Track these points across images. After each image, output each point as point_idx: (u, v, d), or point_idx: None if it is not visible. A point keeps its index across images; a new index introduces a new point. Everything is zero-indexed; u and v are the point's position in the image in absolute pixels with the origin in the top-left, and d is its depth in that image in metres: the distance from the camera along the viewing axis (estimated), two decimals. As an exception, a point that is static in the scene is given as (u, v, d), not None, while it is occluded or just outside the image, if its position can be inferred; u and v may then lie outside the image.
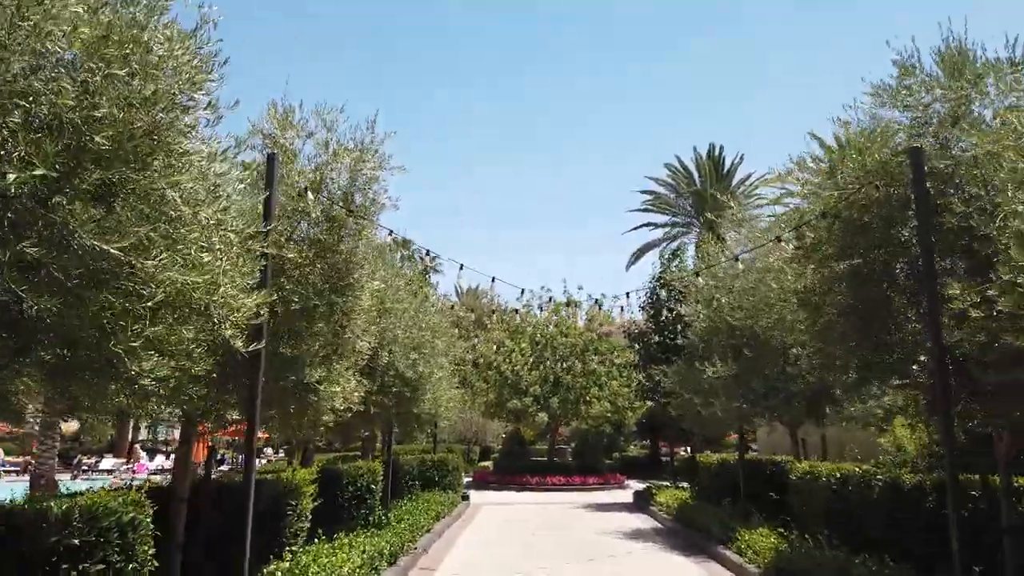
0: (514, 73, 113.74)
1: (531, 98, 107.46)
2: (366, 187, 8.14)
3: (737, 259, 11.14)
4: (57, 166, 3.57)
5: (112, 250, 3.51)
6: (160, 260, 3.86)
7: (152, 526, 6.29)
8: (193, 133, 4.12)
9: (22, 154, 3.44)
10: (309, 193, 7.65)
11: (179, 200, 4.10)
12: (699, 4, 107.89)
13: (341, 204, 8.02)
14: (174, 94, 3.89)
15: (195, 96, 4.04)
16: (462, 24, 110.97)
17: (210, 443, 10.61)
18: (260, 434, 15.82)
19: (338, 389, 7.79)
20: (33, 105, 3.58)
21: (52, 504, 5.45)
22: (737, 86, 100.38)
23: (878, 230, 7.75)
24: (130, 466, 33.77)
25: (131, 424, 38.83)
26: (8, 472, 34.01)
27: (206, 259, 4.37)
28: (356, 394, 8.25)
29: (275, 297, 7.33)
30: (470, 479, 28.24)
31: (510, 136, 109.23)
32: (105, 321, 3.83)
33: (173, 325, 4.27)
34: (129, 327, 3.95)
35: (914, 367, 8.29)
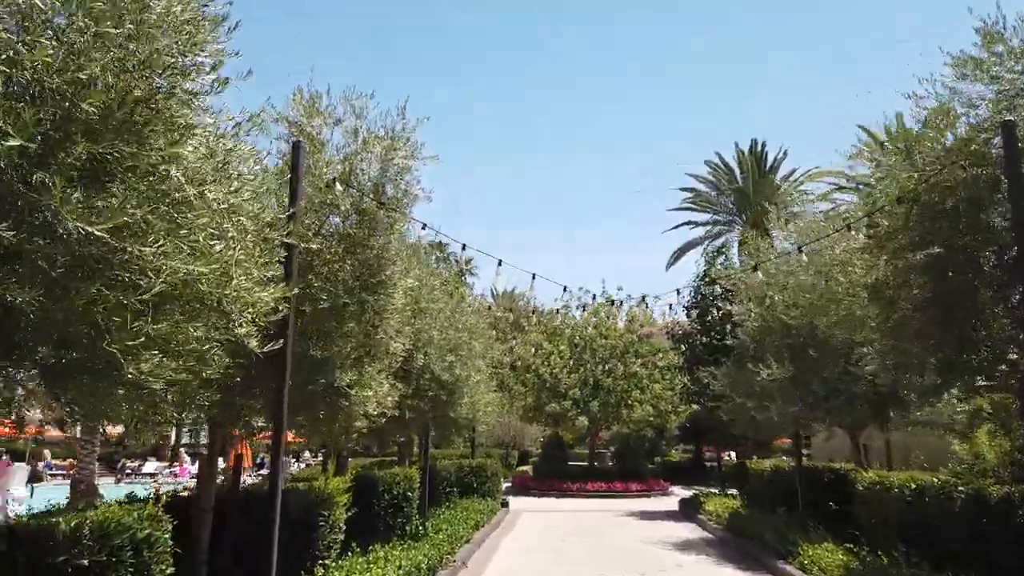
0: (514, 73, 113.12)
1: (531, 98, 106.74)
2: (397, 178, 7.63)
3: (801, 250, 10.37)
4: (39, 137, 3.09)
5: (97, 232, 3.01)
6: (159, 247, 3.34)
7: (171, 543, 5.82)
8: (196, 103, 3.61)
9: (5, 127, 2.96)
10: (338, 184, 7.15)
11: (182, 179, 3.59)
12: (699, 5, 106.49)
13: (372, 196, 7.52)
14: (172, 56, 3.37)
15: (197, 59, 3.52)
16: (462, 24, 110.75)
17: (235, 451, 10.23)
18: (299, 438, 15.44)
19: (370, 393, 7.28)
20: (15, 70, 3.10)
21: (60, 519, 5.00)
22: (738, 86, 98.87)
23: (963, 215, 6.97)
24: (173, 470, 33.92)
25: (173, 428, 39.11)
26: (54, 476, 34.45)
27: (216, 247, 3.87)
28: (390, 398, 7.72)
29: (303, 295, 6.87)
30: (509, 484, 27.64)
31: (510, 136, 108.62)
32: (99, 317, 3.32)
33: (179, 322, 3.76)
34: (128, 323, 3.45)
35: (1002, 367, 7.49)
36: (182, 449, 39.53)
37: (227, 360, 4.62)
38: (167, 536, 5.78)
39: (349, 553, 9.33)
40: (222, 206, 3.93)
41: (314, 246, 6.95)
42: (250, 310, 4.14)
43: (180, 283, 3.53)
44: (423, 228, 8.67)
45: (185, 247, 3.60)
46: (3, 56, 3.06)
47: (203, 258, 3.69)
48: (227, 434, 8.38)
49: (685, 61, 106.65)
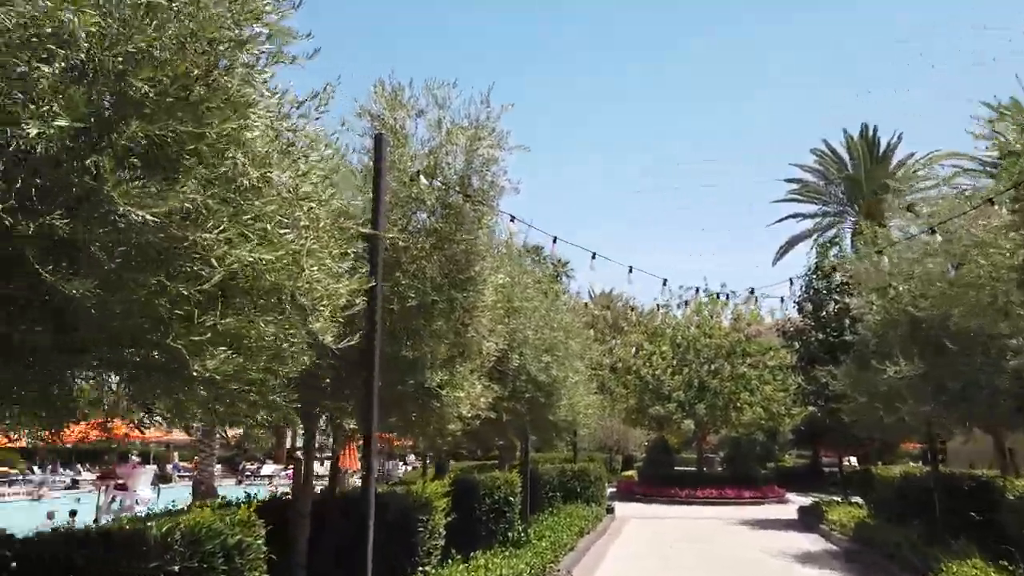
0: (514, 73, 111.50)
1: (531, 98, 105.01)
2: (483, 169, 7.30)
3: (934, 231, 9.34)
4: (92, 119, 2.90)
5: (148, 217, 2.78)
6: (221, 232, 3.10)
7: (264, 549, 5.69)
8: (257, 79, 3.36)
9: (54, 108, 2.79)
10: (422, 178, 6.90)
11: (246, 162, 3.35)
12: (699, 5, 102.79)
13: (457, 189, 7.23)
14: (228, 28, 3.13)
15: (255, 29, 3.26)
16: (462, 24, 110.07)
17: (342, 452, 10.18)
18: (403, 441, 15.36)
19: (463, 394, 6.97)
20: (68, 51, 2.93)
21: (152, 525, 4.93)
22: (738, 85, 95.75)
23: None
24: (289, 472, 35.17)
25: (289, 430, 40.56)
26: (182, 477, 36.44)
27: (287, 236, 3.62)
28: (483, 400, 7.40)
29: (390, 292, 6.66)
30: (613, 490, 26.92)
31: (511, 136, 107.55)
32: (161, 310, 3.12)
33: (250, 316, 3.53)
34: (195, 317, 3.23)
35: None
36: (298, 452, 40.79)
37: (307, 359, 4.39)
38: (260, 542, 5.65)
39: (449, 560, 9.07)
40: (290, 192, 3.68)
41: (400, 241, 6.75)
42: (323, 303, 3.87)
43: (245, 273, 3.29)
44: (512, 221, 8.32)
45: (251, 235, 3.36)
46: (50, 31, 2.88)
47: (270, 245, 3.44)
48: (343, 435, 8.31)
49: (685, 61, 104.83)
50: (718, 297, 24.60)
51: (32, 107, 2.78)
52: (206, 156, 3.20)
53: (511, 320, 9.58)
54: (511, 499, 12.30)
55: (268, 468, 38.94)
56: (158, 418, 3.93)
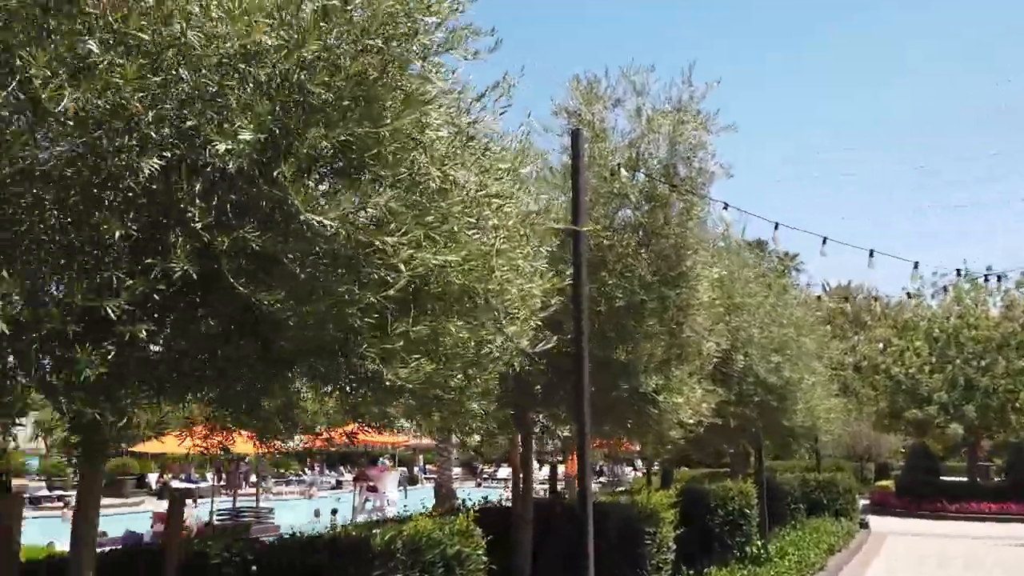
0: (650, 60, 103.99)
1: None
2: (689, 155, 6.78)
3: None
4: (276, 129, 2.92)
5: (330, 223, 2.72)
6: (403, 235, 2.99)
7: (485, 560, 5.63)
8: (432, 73, 3.22)
9: (241, 124, 2.84)
10: (622, 171, 6.53)
11: (428, 162, 3.23)
12: None
13: (662, 179, 6.76)
14: (401, 20, 3.02)
15: (427, 19, 3.12)
16: (597, 12, 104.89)
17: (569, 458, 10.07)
18: (629, 445, 15.07)
19: (681, 399, 6.47)
20: (254, 67, 2.98)
21: (376, 532, 5.04)
22: (877, 71, 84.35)
23: None
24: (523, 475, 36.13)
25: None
26: (428, 479, 39.01)
27: (475, 237, 3.46)
28: (705, 404, 6.83)
29: (597, 293, 6.37)
30: (866, 502, 24.28)
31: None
32: (354, 319, 3.07)
33: (443, 323, 3.40)
34: (386, 326, 3.16)
35: None
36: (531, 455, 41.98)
37: (516, 364, 4.22)
38: (479, 552, 5.60)
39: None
40: (476, 190, 3.51)
41: (604, 239, 6.44)
42: (516, 305, 3.65)
43: (434, 277, 3.16)
44: (725, 208, 7.64)
45: (437, 237, 3.23)
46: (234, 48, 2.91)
47: (457, 247, 3.29)
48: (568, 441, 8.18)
49: (823, 48, 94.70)
50: (985, 280, 21.15)
51: (224, 126, 2.85)
52: (386, 159, 3.12)
53: (732, 318, 8.85)
54: (747, 511, 11.42)
55: (504, 471, 40.42)
56: (368, 426, 3.95)
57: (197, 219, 2.73)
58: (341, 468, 43.83)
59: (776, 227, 8.86)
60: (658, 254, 6.74)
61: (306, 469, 42.29)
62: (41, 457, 33.13)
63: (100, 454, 3.42)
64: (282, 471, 40.65)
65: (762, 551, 11.11)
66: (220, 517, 17.33)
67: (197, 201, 2.78)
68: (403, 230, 3.01)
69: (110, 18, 2.59)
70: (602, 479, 34.69)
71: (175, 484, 28.51)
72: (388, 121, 3.06)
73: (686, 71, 6.72)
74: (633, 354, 6.44)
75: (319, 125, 2.94)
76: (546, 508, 7.41)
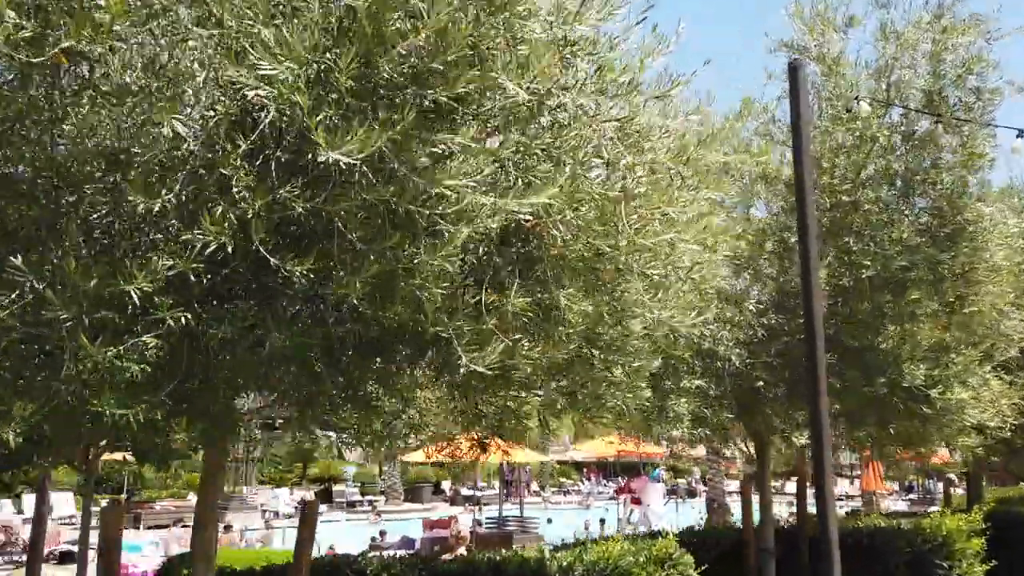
0: None
1: None
2: (963, 73, 5.15)
3: None
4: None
5: (341, 157, 2.11)
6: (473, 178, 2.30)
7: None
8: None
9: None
10: (863, 105, 5.14)
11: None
12: None
13: (925, 110, 5.23)
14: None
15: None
16: None
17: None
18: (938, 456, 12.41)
19: (966, 395, 4.87)
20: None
21: (557, 557, 4.37)
22: None
23: None
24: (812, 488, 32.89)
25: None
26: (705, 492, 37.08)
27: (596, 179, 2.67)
28: (1005, 400, 5.11)
29: (838, 263, 5.08)
30: None
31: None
32: (423, 292, 2.45)
33: (554, 292, 2.65)
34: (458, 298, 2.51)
35: None
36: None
37: (734, 358, 3.32)
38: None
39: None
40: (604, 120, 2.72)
41: (843, 196, 5.12)
42: (663, 273, 2.75)
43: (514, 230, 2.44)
44: (1019, 136, 5.71)
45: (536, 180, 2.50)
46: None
47: (570, 194, 2.53)
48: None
49: None
50: None
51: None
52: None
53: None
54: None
55: (792, 485, 36.97)
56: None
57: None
58: (619, 479, 43.55)
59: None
60: (924, 208, 5.23)
61: (583, 479, 42.67)
62: (357, 465, 37.22)
63: (223, 439, 3.24)
64: (561, 479, 41.45)
65: None
66: (488, 525, 17.86)
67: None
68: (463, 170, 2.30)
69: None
70: (911, 495, 30.14)
71: (464, 492, 30.19)
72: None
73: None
74: (892, 339, 5.00)
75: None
76: (790, 534, 6.08)
